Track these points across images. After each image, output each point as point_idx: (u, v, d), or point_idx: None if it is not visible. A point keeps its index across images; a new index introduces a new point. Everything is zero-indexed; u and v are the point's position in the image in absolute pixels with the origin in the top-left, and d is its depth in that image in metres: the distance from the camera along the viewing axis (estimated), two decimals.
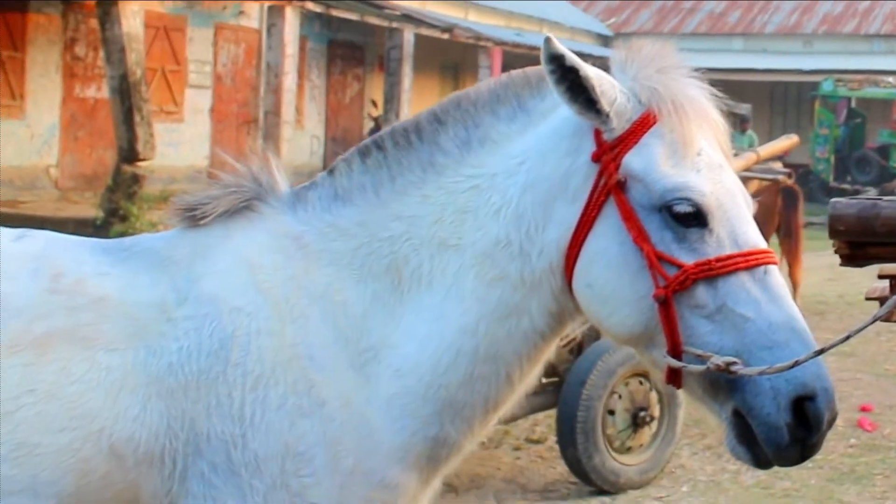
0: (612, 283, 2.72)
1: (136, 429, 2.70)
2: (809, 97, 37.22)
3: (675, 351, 2.66)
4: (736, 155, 13.10)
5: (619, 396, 7.43)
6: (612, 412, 7.43)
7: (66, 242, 2.96)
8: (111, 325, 2.77)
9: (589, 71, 2.72)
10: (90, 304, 2.79)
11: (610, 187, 2.73)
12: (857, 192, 32.30)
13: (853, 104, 35.82)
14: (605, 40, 42.01)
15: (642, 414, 7.51)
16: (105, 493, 2.69)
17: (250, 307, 2.80)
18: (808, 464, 8.04)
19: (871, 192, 31.44)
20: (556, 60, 2.70)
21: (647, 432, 7.61)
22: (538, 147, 2.83)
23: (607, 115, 2.73)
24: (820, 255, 14.15)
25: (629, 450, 7.56)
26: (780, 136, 12.35)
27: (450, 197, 2.87)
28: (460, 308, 2.83)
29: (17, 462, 2.64)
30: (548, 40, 2.70)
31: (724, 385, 2.63)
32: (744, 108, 32.89)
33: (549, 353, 2.97)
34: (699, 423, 8.39)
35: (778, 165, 9.62)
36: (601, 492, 7.41)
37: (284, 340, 2.79)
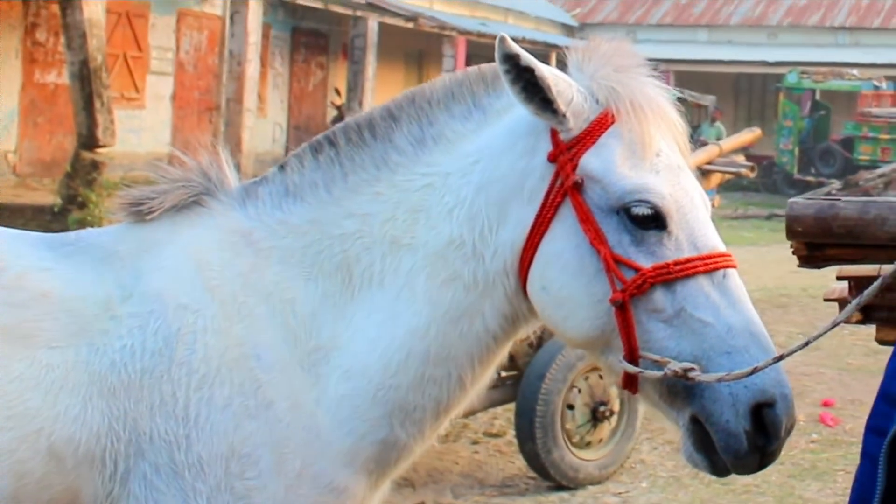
0: (568, 286, 2.67)
1: (76, 429, 2.64)
2: (774, 89, 37.48)
3: (632, 356, 2.62)
4: (704, 144, 13.09)
5: (579, 391, 7.40)
6: (571, 407, 7.40)
7: (6, 236, 2.89)
8: (53, 321, 2.71)
9: (544, 71, 2.67)
10: (31, 299, 2.73)
11: (567, 188, 2.68)
12: (820, 185, 32.46)
13: (817, 96, 36.02)
14: (570, 30, 42.10)
15: (602, 409, 7.48)
16: (43, 495, 2.62)
17: (196, 305, 2.75)
18: None
19: (835, 184, 31.63)
20: (511, 60, 2.65)
21: (606, 427, 7.59)
22: (493, 146, 2.79)
23: (564, 115, 2.68)
24: (783, 247, 14.19)
25: (588, 445, 7.53)
26: (744, 127, 12.38)
27: (403, 195, 2.82)
28: (412, 309, 2.78)
29: None
30: (502, 40, 2.64)
31: (681, 391, 2.60)
32: (709, 100, 33.08)
33: (503, 355, 2.92)
34: (660, 418, 8.38)
35: (741, 158, 9.63)
36: (560, 487, 7.39)
37: (231, 339, 2.73)
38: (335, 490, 2.76)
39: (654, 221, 2.63)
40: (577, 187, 2.67)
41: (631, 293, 2.60)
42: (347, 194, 2.85)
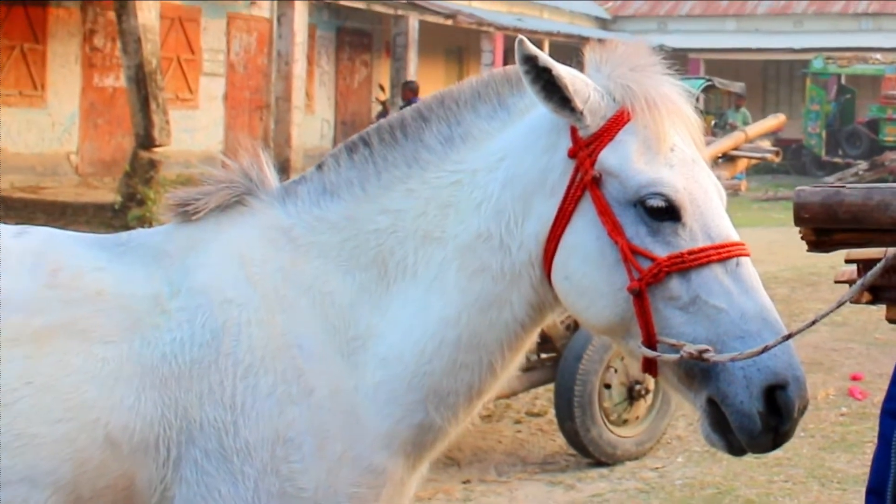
0: (589, 275, 2.69)
1: (130, 418, 2.68)
2: (800, 75, 37.15)
3: (650, 341, 2.64)
4: (732, 129, 12.94)
5: (615, 370, 7.38)
6: (608, 386, 7.39)
7: (64, 238, 2.94)
8: (107, 318, 2.75)
9: (562, 70, 2.69)
10: (87, 298, 2.77)
11: (586, 183, 2.70)
12: (847, 166, 32.28)
13: (843, 81, 35.71)
14: (603, 23, 41.92)
15: (637, 387, 7.46)
16: (101, 481, 2.66)
17: (241, 299, 2.78)
18: (799, 433, 7.99)
19: (862, 165, 31.37)
20: (530, 61, 2.67)
21: (642, 405, 7.57)
22: (517, 143, 2.81)
23: (581, 113, 2.70)
24: None
25: (625, 422, 7.52)
26: (773, 112, 12.28)
27: (433, 192, 2.85)
28: (443, 299, 2.80)
29: (16, 452, 2.62)
30: (521, 42, 2.67)
31: (698, 374, 2.61)
32: (738, 87, 32.87)
33: (531, 341, 2.94)
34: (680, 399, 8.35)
35: (766, 143, 9.56)
36: (599, 463, 7.38)
37: (274, 330, 2.76)
38: (374, 471, 2.79)
39: (669, 213, 2.65)
40: (596, 182, 2.69)
41: (647, 282, 2.61)
42: (381, 191, 2.88)
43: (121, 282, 2.81)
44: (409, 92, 21.31)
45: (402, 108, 21.78)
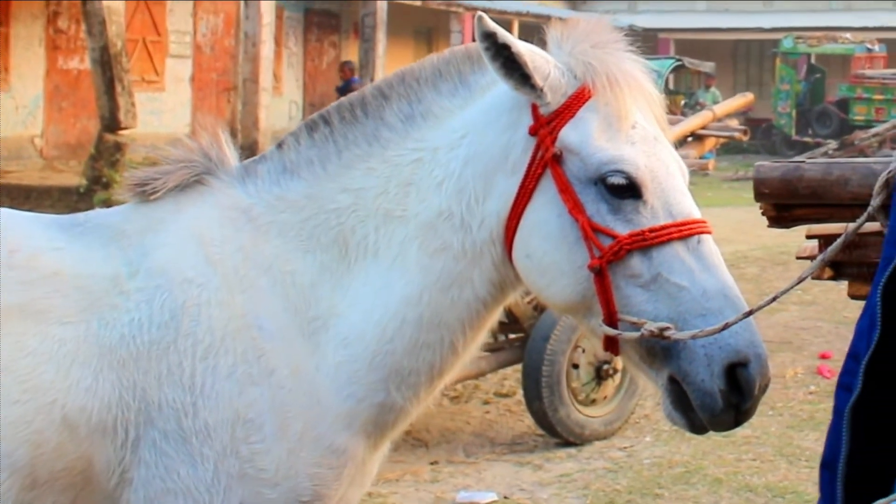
0: (550, 254, 2.69)
1: (88, 400, 2.67)
2: (770, 54, 37.29)
3: (611, 320, 2.63)
4: (700, 108, 12.93)
5: (583, 350, 7.40)
6: (576, 366, 7.41)
7: (20, 219, 2.93)
8: (64, 298, 2.74)
9: (521, 47, 2.68)
10: (44, 278, 2.76)
11: (546, 160, 2.70)
12: (818, 145, 32.31)
13: (813, 60, 35.79)
14: (573, 4, 41.88)
15: (605, 367, 7.48)
16: (58, 463, 2.65)
17: (200, 279, 2.78)
18: (768, 411, 8.07)
19: (832, 144, 31.47)
20: (490, 38, 2.66)
21: (610, 385, 7.60)
22: (479, 121, 2.81)
23: (542, 90, 2.69)
24: None
25: (593, 402, 7.54)
26: (743, 91, 12.30)
27: (394, 170, 2.84)
28: (405, 278, 2.80)
29: None
30: (480, 18, 2.67)
31: (659, 352, 2.61)
32: (708, 66, 32.93)
33: (493, 320, 2.94)
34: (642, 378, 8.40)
35: (734, 123, 9.58)
36: (567, 443, 7.41)
37: (234, 311, 2.76)
38: (335, 451, 2.79)
39: (630, 191, 2.64)
40: (557, 159, 2.68)
41: (608, 259, 2.61)
42: (341, 170, 2.87)
43: (78, 262, 2.80)
44: (347, 71, 21.28)
45: (339, 87, 21.71)
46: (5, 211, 2.95)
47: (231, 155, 2.97)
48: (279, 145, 2.97)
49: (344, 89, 20.76)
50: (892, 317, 1.85)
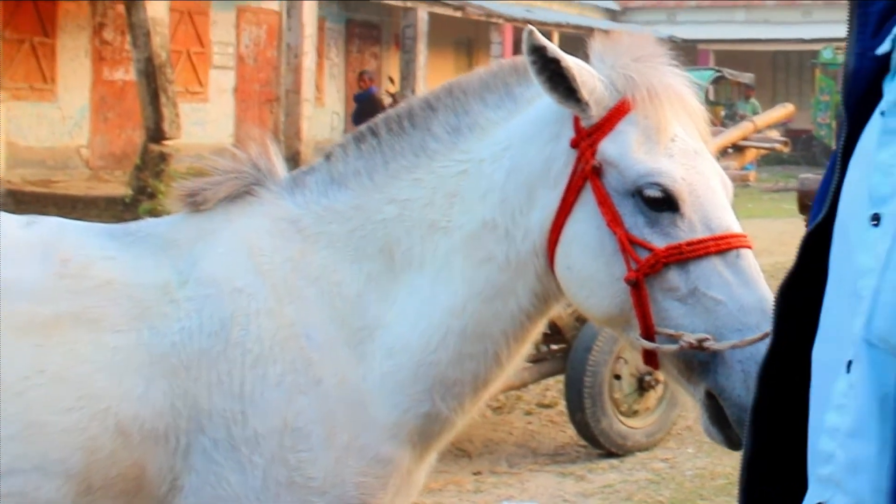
0: (589, 266, 2.68)
1: (140, 407, 2.69)
2: (810, 65, 37.09)
3: (648, 333, 2.61)
4: (739, 119, 12.81)
5: (625, 361, 7.37)
6: (618, 377, 7.38)
7: (73, 228, 2.95)
8: (116, 307, 2.76)
9: (569, 61, 2.68)
10: (96, 287, 2.78)
11: (586, 172, 2.69)
12: None
13: None
14: (612, 15, 41.85)
15: (647, 378, 7.45)
16: (112, 470, 2.67)
17: (250, 289, 2.79)
18: None
19: None
20: (538, 51, 2.66)
21: (652, 396, 7.57)
22: (522, 133, 2.81)
23: (586, 103, 2.69)
24: None
25: (636, 413, 7.51)
26: (782, 102, 12.27)
27: (440, 181, 2.84)
28: (449, 289, 2.81)
29: (28, 441, 2.63)
30: (529, 32, 2.66)
31: (696, 367, 2.58)
32: (747, 77, 32.83)
33: (537, 332, 2.93)
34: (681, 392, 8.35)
35: (775, 134, 9.53)
36: (609, 454, 7.38)
37: (283, 321, 2.77)
38: (381, 461, 2.79)
39: (667, 203, 2.62)
40: (596, 171, 2.67)
41: (644, 272, 2.59)
42: (388, 181, 2.88)
43: (130, 271, 2.81)
44: (366, 80, 21.16)
45: (357, 96, 21.55)
46: (58, 220, 2.98)
47: (280, 166, 2.99)
48: (327, 156, 2.98)
49: (362, 98, 20.62)
50: (793, 321, 1.80)
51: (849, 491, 1.51)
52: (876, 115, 1.61)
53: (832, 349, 1.58)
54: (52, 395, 2.65)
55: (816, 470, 1.58)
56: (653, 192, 2.62)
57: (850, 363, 1.52)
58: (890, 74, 1.61)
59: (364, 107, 19.87)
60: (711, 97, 31.97)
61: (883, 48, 1.63)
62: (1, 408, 2.63)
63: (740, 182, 9.33)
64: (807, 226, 1.80)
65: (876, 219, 1.53)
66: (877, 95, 1.63)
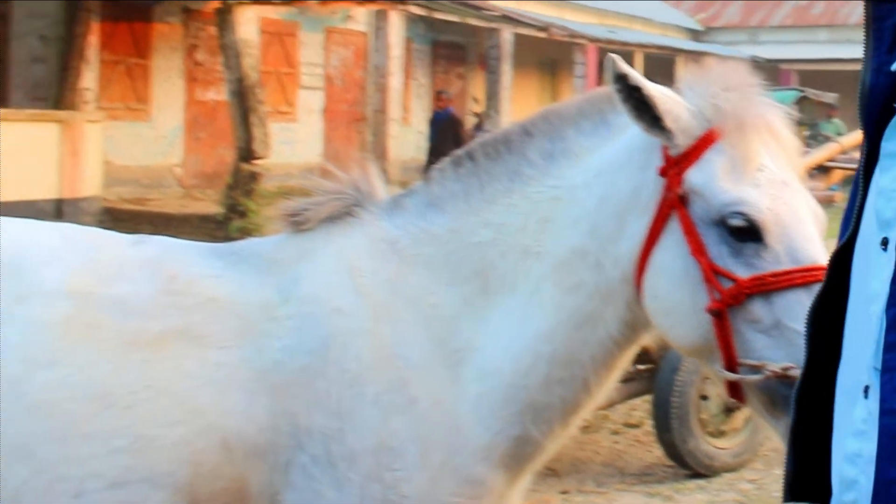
0: (674, 295, 2.65)
1: (243, 423, 2.71)
2: None
3: (731, 364, 2.56)
4: (822, 140, 12.67)
5: (713, 382, 7.28)
6: (705, 397, 7.30)
7: (180, 247, 3.00)
8: (220, 324, 2.79)
9: (652, 90, 2.65)
10: (202, 304, 2.81)
11: (673, 201, 2.66)
12: None
13: None
14: (695, 35, 41.60)
15: None
16: (216, 484, 2.70)
17: (349, 308, 2.80)
18: None
19: None
20: (622, 80, 2.64)
21: (739, 416, 7.46)
22: (613, 160, 2.79)
23: (671, 132, 2.66)
24: None
25: (723, 433, 7.42)
26: None
27: (533, 206, 2.84)
28: (539, 314, 2.79)
29: (136, 453, 2.67)
30: (613, 60, 2.64)
31: (780, 400, 2.52)
32: (830, 97, 32.37)
33: (625, 360, 2.90)
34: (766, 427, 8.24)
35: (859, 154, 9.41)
36: (697, 475, 7.29)
37: (380, 341, 2.78)
38: (474, 483, 2.78)
39: (751, 234, 2.57)
40: (682, 200, 2.64)
41: (727, 303, 2.55)
42: (484, 205, 2.88)
43: (234, 289, 2.84)
44: (444, 100, 20.84)
45: (434, 116, 21.15)
46: (165, 239, 3.03)
47: (380, 188, 3.00)
48: (426, 180, 2.99)
49: (440, 118, 20.36)
50: (822, 343, 1.76)
51: None
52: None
53: (851, 373, 1.56)
54: (160, 410, 2.69)
55: (841, 497, 1.56)
56: (737, 222, 2.58)
57: (867, 388, 1.50)
58: None
59: (442, 127, 19.73)
60: (794, 117, 31.55)
61: None
62: (111, 421, 2.68)
63: (826, 202, 9.20)
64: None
65: (885, 243, 1.51)
66: (892, 112, 1.59)
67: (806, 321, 1.78)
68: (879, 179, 1.54)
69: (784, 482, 1.85)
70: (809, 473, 1.81)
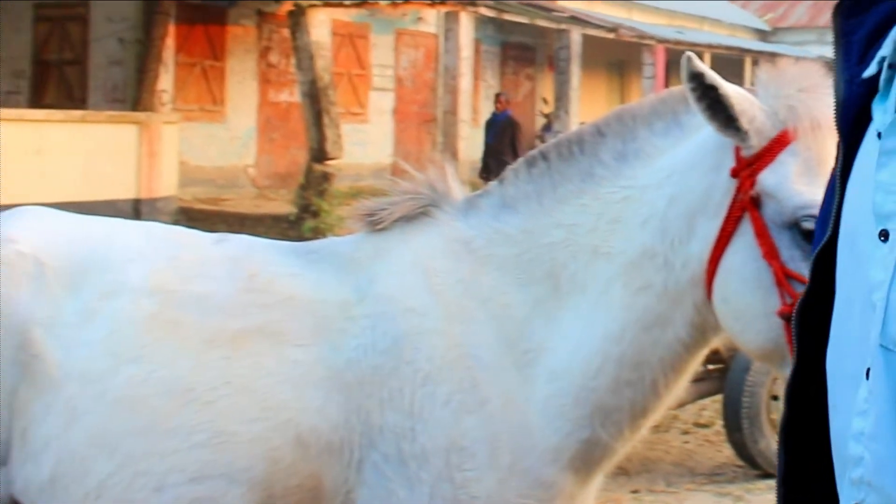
0: (744, 298, 2.62)
1: (319, 420, 2.73)
2: None
3: None
4: None
5: (783, 382, 7.21)
6: (776, 398, 7.23)
7: (259, 245, 3.03)
8: (298, 322, 2.82)
9: (728, 89, 2.62)
10: (280, 302, 2.84)
11: (745, 203, 2.63)
12: None
13: None
14: (763, 35, 41.17)
15: None
16: (292, 480, 2.73)
17: (423, 308, 2.81)
18: None
19: None
20: (697, 78, 2.61)
21: None
22: (685, 161, 2.76)
23: (746, 133, 2.62)
24: None
25: None
26: None
27: (604, 207, 2.82)
28: (609, 315, 2.77)
29: (216, 449, 2.71)
30: (689, 59, 2.61)
31: None
32: None
33: (695, 363, 2.86)
34: None
35: None
36: (767, 475, 7.23)
37: (452, 340, 2.78)
38: (543, 484, 2.77)
39: None
40: (755, 202, 2.61)
41: None
42: (556, 205, 2.86)
43: (311, 287, 2.87)
44: (503, 102, 20.68)
45: (492, 117, 20.98)
46: (246, 238, 3.07)
47: (456, 188, 3.00)
48: (500, 180, 2.99)
49: (498, 119, 20.23)
50: (810, 339, 1.80)
51: (880, 490, 1.54)
52: (871, 137, 1.64)
53: (849, 359, 1.60)
54: (239, 406, 2.72)
55: (848, 474, 1.60)
56: (810, 225, 2.54)
57: (868, 370, 1.55)
58: (879, 95, 1.63)
59: (500, 129, 19.61)
60: None
61: (869, 71, 1.65)
62: (193, 417, 2.72)
63: None
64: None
65: (884, 234, 1.56)
66: (868, 118, 1.66)
67: (793, 320, 1.82)
68: (877, 175, 1.58)
69: (777, 477, 1.91)
70: (803, 467, 1.86)
